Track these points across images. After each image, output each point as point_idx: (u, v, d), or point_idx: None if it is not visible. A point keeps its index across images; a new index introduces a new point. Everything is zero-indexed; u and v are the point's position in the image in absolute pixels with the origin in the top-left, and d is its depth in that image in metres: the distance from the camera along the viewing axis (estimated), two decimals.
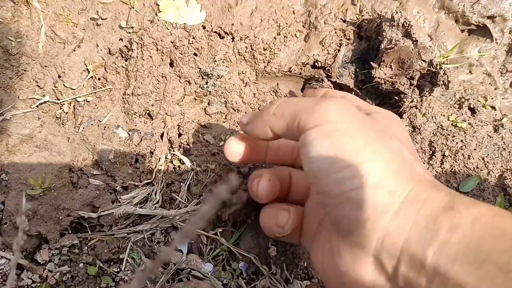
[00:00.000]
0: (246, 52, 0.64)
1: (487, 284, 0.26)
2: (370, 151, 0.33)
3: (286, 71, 0.64)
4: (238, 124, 0.48)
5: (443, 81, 0.61)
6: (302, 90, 0.68)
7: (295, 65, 0.65)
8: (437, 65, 0.61)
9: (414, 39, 0.61)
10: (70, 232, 0.55)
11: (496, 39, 0.68)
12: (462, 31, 0.72)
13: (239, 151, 0.47)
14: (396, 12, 0.62)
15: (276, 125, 0.40)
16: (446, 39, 0.69)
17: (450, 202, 0.30)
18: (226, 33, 0.64)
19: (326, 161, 0.33)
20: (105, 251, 0.55)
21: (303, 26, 0.68)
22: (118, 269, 0.56)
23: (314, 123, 0.35)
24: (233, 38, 0.64)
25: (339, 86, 0.69)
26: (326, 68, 0.67)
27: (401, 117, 0.64)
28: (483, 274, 0.26)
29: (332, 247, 0.37)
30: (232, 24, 0.63)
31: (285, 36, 0.65)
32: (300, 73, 0.65)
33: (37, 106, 0.59)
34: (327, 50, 0.66)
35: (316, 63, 0.67)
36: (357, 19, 0.67)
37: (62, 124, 0.60)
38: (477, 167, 0.59)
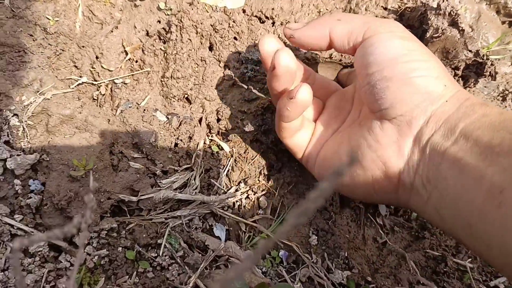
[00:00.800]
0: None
1: (498, 140, 0.33)
2: (432, 56, 0.42)
3: (326, 58, 0.63)
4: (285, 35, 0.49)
5: (490, 72, 0.59)
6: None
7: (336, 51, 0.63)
8: (483, 55, 0.59)
9: (460, 28, 0.60)
10: (109, 215, 0.54)
11: None
12: (503, 22, 0.70)
13: (273, 47, 0.47)
14: (443, 1, 0.61)
15: (338, 29, 0.45)
16: (487, 30, 0.68)
17: (485, 102, 0.39)
18: (266, 17, 0.62)
19: (397, 53, 0.40)
20: (144, 235, 0.54)
21: (343, 12, 0.66)
22: (156, 254, 0.55)
23: (387, 30, 0.42)
24: (273, 23, 0.63)
25: None
26: None
27: None
28: (497, 135, 0.34)
29: (372, 128, 0.43)
30: (273, 9, 0.62)
31: None
32: (340, 60, 0.63)
33: (75, 86, 0.57)
34: None
35: None
36: (399, 7, 0.66)
37: (100, 105, 0.59)
38: None
